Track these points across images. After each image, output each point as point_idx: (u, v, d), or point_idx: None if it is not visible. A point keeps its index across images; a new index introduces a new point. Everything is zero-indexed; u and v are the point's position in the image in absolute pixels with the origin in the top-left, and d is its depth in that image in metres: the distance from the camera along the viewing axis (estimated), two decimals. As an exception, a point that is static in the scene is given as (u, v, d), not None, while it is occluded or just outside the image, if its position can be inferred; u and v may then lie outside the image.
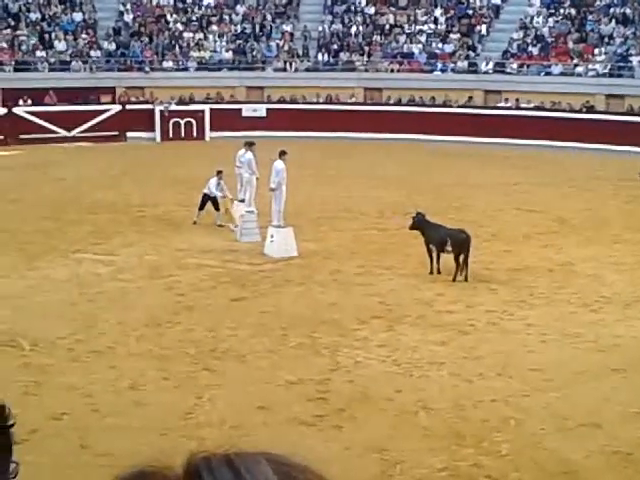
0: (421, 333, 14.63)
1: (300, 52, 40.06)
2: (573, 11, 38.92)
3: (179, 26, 40.51)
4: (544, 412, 11.64)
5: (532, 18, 39.32)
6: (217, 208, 22.19)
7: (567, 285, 17.42)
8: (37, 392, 12.09)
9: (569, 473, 10.11)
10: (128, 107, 36.90)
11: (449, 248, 17.67)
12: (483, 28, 39.74)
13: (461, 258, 17.56)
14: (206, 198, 22.21)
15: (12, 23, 38.98)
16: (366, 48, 39.85)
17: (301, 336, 14.40)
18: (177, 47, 39.80)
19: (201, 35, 40.25)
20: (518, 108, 36.62)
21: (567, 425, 11.26)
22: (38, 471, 9.31)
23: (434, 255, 17.96)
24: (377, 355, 13.65)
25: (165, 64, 39.34)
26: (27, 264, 18.52)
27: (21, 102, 36.34)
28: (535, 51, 38.33)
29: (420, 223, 18.37)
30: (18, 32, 38.73)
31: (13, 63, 38.01)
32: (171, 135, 36.69)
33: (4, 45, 38.14)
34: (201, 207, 22.28)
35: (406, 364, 13.28)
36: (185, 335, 14.44)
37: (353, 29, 40.55)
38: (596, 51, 37.32)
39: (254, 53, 40.02)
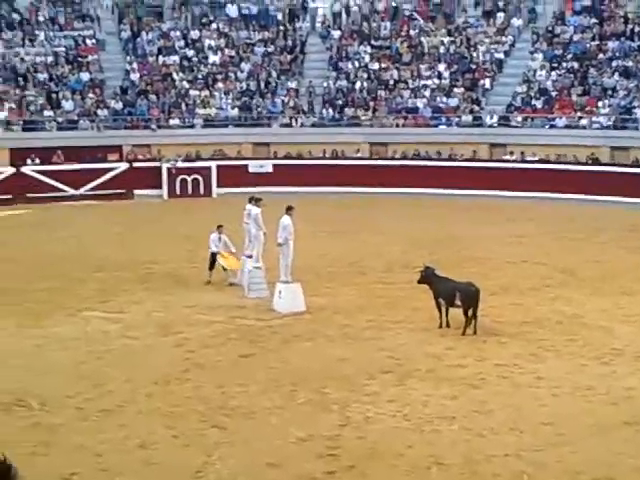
0: (431, 387, 14.55)
1: (305, 108, 40.35)
2: (576, 64, 39.21)
3: (185, 84, 40.86)
4: (557, 466, 11.52)
5: (535, 72, 39.60)
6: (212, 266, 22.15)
7: (577, 337, 17.34)
8: (46, 452, 12.02)
9: (584, 528, 9.97)
10: (135, 165, 37.10)
11: (458, 302, 17.63)
12: (487, 82, 40.03)
13: (470, 311, 17.51)
14: (214, 256, 22.22)
15: (20, 83, 39.38)
16: (371, 103, 40.12)
17: (310, 392, 14.32)
18: (183, 105, 40.11)
19: (207, 92, 40.57)
20: (523, 161, 36.75)
21: (581, 479, 11.14)
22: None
23: (443, 309, 17.93)
24: (387, 410, 13.56)
25: (171, 122, 39.62)
26: (34, 322, 18.50)
27: (29, 161, 36.57)
28: (539, 104, 38.56)
29: (429, 277, 18.36)
30: (26, 92, 39.09)
31: (21, 123, 38.32)
32: (178, 192, 36.83)
33: (12, 105, 38.49)
34: (211, 266, 22.25)
35: (417, 419, 13.18)
36: (194, 392, 14.37)
37: (358, 85, 40.87)
38: (600, 104, 37.53)
39: (260, 110, 40.31)
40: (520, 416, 13.25)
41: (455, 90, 39.91)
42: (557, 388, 14.48)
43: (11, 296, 20.59)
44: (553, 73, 39.32)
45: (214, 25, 42.82)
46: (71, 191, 36.13)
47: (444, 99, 39.74)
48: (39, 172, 36.07)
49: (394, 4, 43.06)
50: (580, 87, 38.43)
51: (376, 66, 41.39)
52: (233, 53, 42.19)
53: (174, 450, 12.08)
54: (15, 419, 13.24)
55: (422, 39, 41.63)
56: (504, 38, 41.12)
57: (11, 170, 35.89)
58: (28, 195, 35.16)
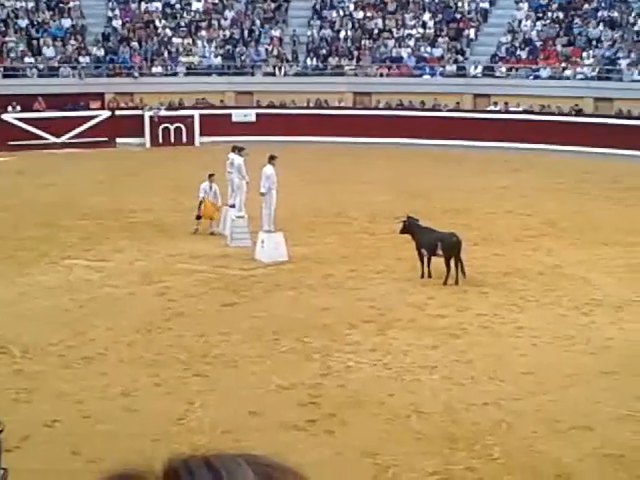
0: (412, 337, 14.64)
1: (289, 57, 40.08)
2: (561, 14, 39.03)
3: (168, 31, 40.49)
4: (536, 415, 11.66)
5: (520, 22, 39.41)
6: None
7: (558, 288, 17.46)
8: (28, 399, 12.07)
9: (562, 476, 10.12)
10: (117, 113, 36.85)
11: (440, 252, 17.71)
12: (471, 32, 39.82)
13: (452, 262, 17.58)
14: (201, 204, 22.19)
15: (1, 29, 38.92)
16: (355, 53, 39.88)
17: (292, 341, 14.40)
18: (166, 52, 39.77)
19: (190, 40, 40.23)
20: (507, 112, 36.69)
21: (559, 428, 11.29)
22: (29, 478, 9.28)
23: (425, 259, 18.00)
24: (368, 359, 13.66)
25: (154, 69, 39.30)
26: (18, 271, 18.48)
27: (10, 109, 36.26)
28: (523, 55, 38.42)
29: (411, 227, 18.41)
30: (6, 39, 38.66)
31: (2, 70, 37.92)
32: (161, 141, 36.65)
33: (-7, 52, 38.09)
34: (198, 216, 22.20)
35: (398, 368, 13.28)
36: (176, 341, 14.43)
37: (342, 34, 40.59)
38: (584, 54, 37.42)
39: (243, 58, 40.02)
40: (500, 365, 13.37)
41: (439, 40, 39.70)
42: (537, 338, 14.60)
43: (-7, 244, 20.53)
44: (538, 23, 39.14)
45: (197, -29, 42.36)
46: (53, 139, 35.89)
47: (428, 49, 39.54)
48: (20, 120, 35.79)
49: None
50: (565, 37, 38.30)
51: (361, 15, 41.09)
52: (216, 0, 41.78)
53: (156, 398, 12.16)
54: (-3, 367, 13.27)
55: (407, -12, 41.29)
56: (489, -13, 40.85)
57: (-8, 117, 35.60)
58: (9, 143, 34.90)
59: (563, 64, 37.51)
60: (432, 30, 40.11)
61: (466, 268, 17.89)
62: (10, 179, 28.94)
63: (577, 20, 38.59)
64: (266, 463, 1.29)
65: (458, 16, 40.42)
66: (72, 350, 13.95)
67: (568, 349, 14.14)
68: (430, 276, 17.94)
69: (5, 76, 37.80)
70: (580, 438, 11.00)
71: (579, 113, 35.77)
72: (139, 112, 36.99)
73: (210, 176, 22.52)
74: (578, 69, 37.08)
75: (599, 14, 38.38)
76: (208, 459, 1.27)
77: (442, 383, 12.72)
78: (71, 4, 40.45)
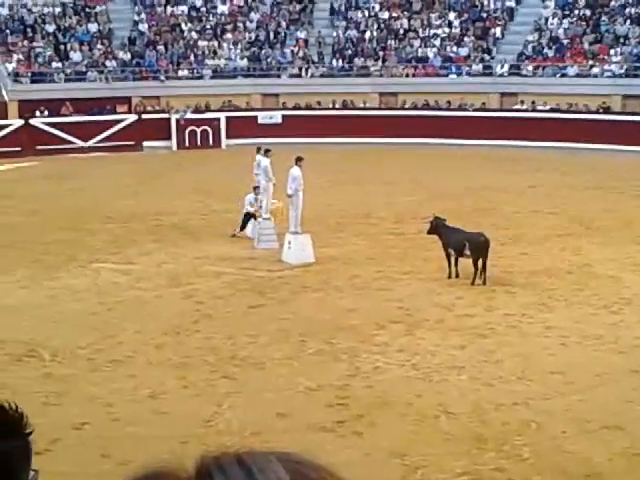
0: (440, 337, 14.59)
1: (315, 58, 40.11)
2: (588, 12, 38.81)
3: (194, 35, 40.64)
4: (565, 415, 11.58)
5: (547, 20, 39.23)
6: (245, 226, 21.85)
7: (586, 287, 17.34)
8: (58, 402, 12.12)
9: (592, 476, 10.05)
10: (144, 116, 37.02)
11: (467, 252, 17.64)
12: (498, 31, 39.69)
13: (480, 262, 17.52)
14: (247, 216, 21.72)
15: (29, 35, 39.22)
16: (380, 53, 39.86)
17: (320, 342, 14.39)
18: (192, 56, 39.93)
19: (216, 43, 40.36)
20: (534, 110, 36.53)
21: (589, 428, 11.20)
22: (60, 481, 9.33)
23: (452, 259, 17.94)
24: (396, 360, 13.62)
25: (180, 73, 39.47)
26: (46, 274, 18.59)
27: (38, 113, 36.53)
28: (550, 53, 38.24)
29: (438, 227, 18.36)
30: (34, 44, 38.96)
31: (29, 75, 38.22)
32: (187, 143, 36.80)
33: (21, 57, 38.37)
34: (243, 226, 21.77)
35: (425, 369, 13.24)
36: (204, 343, 14.45)
37: (367, 34, 40.56)
38: (612, 52, 37.20)
39: (269, 60, 40.09)
40: (529, 365, 13.29)
41: (465, 39, 39.59)
42: (566, 337, 14.51)
43: (23, 248, 20.66)
44: (565, 21, 38.95)
45: (222, -26, 42.50)
46: (80, 143, 36.11)
47: (454, 48, 39.44)
48: (48, 124, 36.04)
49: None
50: (592, 35, 38.08)
51: (386, 15, 41.05)
52: (242, 3, 41.89)
53: (184, 400, 12.18)
54: (27, 370, 13.35)
55: (432, -13, 41.23)
56: (515, -14, 40.70)
57: (20, 122, 35.87)
58: (37, 147, 35.15)
59: (590, 62, 37.30)
60: (458, 29, 40.01)
61: (493, 268, 17.82)
62: (38, 183, 29.13)
63: (604, 17, 38.35)
64: (297, 460, 1.29)
65: (484, 15, 40.30)
66: (101, 353, 14.01)
67: (597, 348, 14.04)
68: (458, 276, 17.87)
69: (33, 81, 38.09)
70: (610, 437, 10.92)
71: (607, 111, 35.55)
72: (165, 115, 37.18)
73: (255, 188, 21.81)
74: (605, 67, 36.86)
75: (626, 11, 38.13)
76: (240, 456, 1.28)
77: (470, 383, 12.66)
78: (97, 9, 40.70)
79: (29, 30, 39.37)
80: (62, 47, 39.21)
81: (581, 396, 12.16)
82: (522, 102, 37.11)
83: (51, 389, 12.53)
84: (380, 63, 39.59)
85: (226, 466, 1.26)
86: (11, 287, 17.74)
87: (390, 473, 10.14)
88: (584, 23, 38.64)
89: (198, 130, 36.98)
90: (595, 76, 36.85)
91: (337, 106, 38.38)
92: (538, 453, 10.53)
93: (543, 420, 11.41)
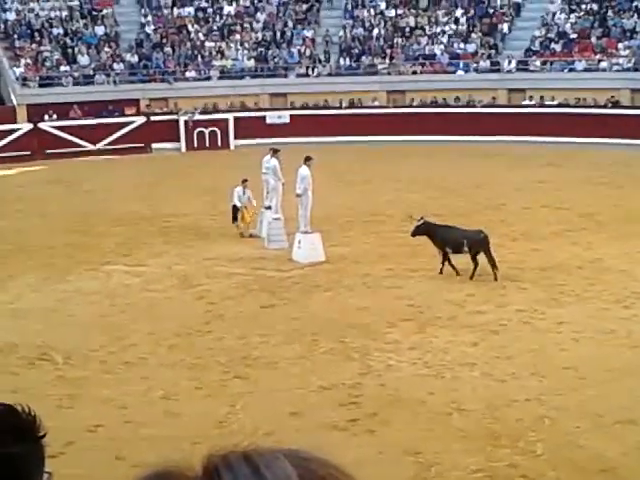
0: (452, 334, 14.58)
1: (322, 57, 40.09)
2: (595, 6, 38.70)
3: (200, 36, 40.65)
4: (579, 410, 11.56)
5: (554, 15, 39.13)
6: (235, 218, 22.27)
7: (598, 282, 17.31)
8: (71, 405, 12.15)
9: (607, 471, 10.03)
10: (152, 118, 37.06)
11: (466, 249, 17.67)
12: (505, 27, 39.60)
13: (479, 258, 17.51)
14: (236, 209, 22.28)
15: (36, 39, 39.29)
16: (388, 51, 39.80)
17: (332, 341, 14.39)
18: (199, 57, 39.94)
19: (223, 44, 40.36)
20: (542, 106, 36.45)
21: (602, 422, 11.18)
22: (74, 483, 9.34)
23: (449, 257, 17.93)
24: (408, 358, 13.62)
25: (188, 74, 39.49)
26: (57, 278, 18.63)
27: (46, 117, 36.59)
28: (558, 48, 38.13)
29: (427, 228, 18.31)
30: (42, 48, 39.03)
31: (37, 79, 38.30)
32: (196, 145, 36.82)
33: (28, 61, 38.45)
34: (234, 219, 22.34)
35: (438, 366, 13.23)
36: (216, 344, 14.47)
37: (374, 32, 40.53)
38: (620, 45, 37.08)
39: (276, 60, 40.09)
40: (541, 361, 13.27)
41: (472, 35, 39.52)
42: (578, 332, 14.48)
43: (34, 252, 20.70)
44: (572, 16, 38.84)
45: (228, -25, 42.51)
46: (89, 146, 36.17)
47: (461, 45, 39.37)
48: (56, 128, 36.11)
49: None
50: (599, 29, 37.97)
51: (392, 13, 40.99)
52: (248, 3, 41.89)
53: (197, 401, 12.20)
54: (40, 373, 13.38)
55: (438, -16, 41.16)
56: (521, -19, 40.61)
57: (29, 126, 35.94)
58: (46, 151, 35.23)
59: (598, 56, 37.20)
60: (465, 26, 39.94)
61: (504, 264, 17.80)
62: (47, 187, 29.19)
63: (611, 11, 38.23)
64: (304, 457, 1.29)
65: (491, 11, 40.22)
66: (113, 355, 14.04)
67: (610, 343, 14.01)
68: (458, 274, 17.80)
69: (41, 85, 38.15)
70: (624, 432, 10.89)
71: (616, 105, 35.44)
72: (174, 117, 37.19)
73: (243, 181, 22.54)
74: (614, 60, 36.75)
75: (634, 4, 38.00)
76: (247, 453, 1.28)
77: (483, 380, 12.65)
78: (104, 11, 40.75)
79: (36, 34, 39.43)
80: (69, 51, 39.26)
81: (594, 391, 12.13)
82: (530, 97, 37.04)
83: (64, 392, 12.56)
84: (387, 61, 39.54)
85: (233, 463, 1.26)
86: (22, 291, 17.79)
87: (404, 471, 10.14)
88: (591, 17, 38.53)
89: (206, 131, 37.00)
90: (603, 70, 36.74)
91: (345, 105, 38.33)
92: (552, 449, 10.52)
93: (556, 416, 11.40)
